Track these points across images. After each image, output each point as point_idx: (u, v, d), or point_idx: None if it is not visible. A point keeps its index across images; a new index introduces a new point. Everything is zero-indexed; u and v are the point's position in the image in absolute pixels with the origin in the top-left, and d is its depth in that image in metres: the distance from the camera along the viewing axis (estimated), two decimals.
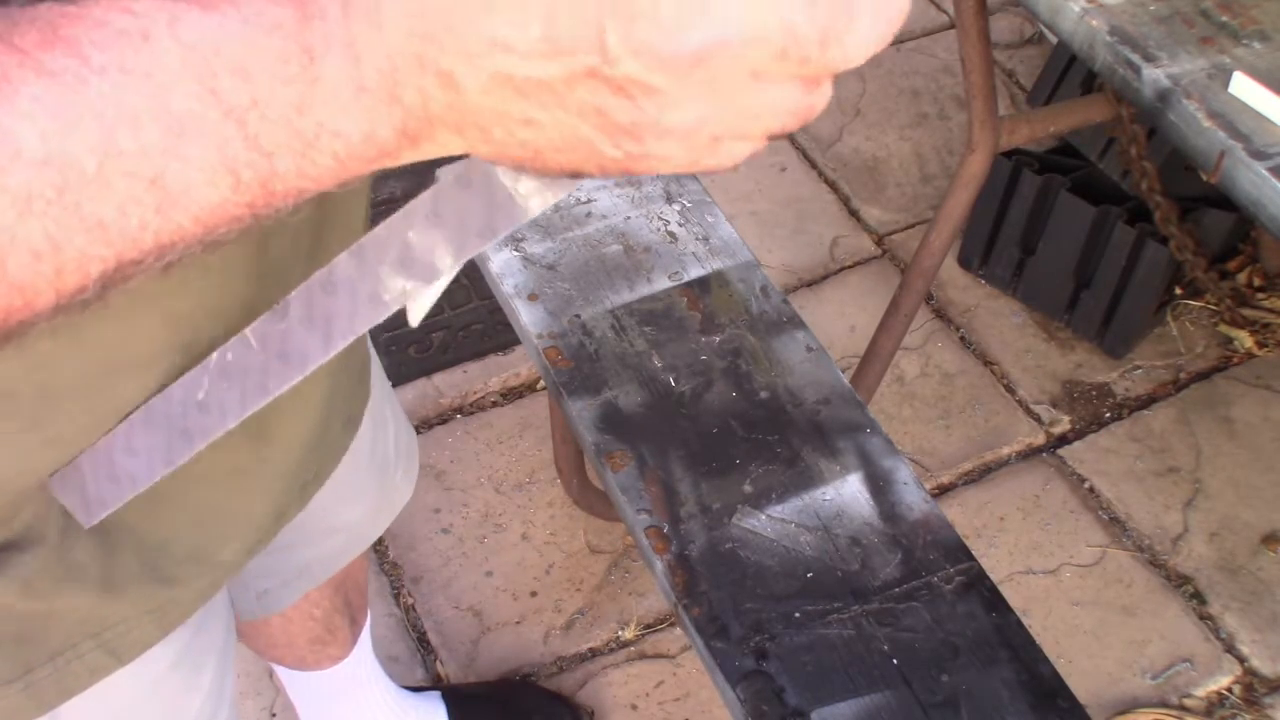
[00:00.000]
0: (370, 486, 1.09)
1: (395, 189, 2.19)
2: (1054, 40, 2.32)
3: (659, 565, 1.13)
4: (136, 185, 0.38)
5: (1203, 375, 2.03)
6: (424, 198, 0.48)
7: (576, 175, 0.43)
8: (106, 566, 0.70)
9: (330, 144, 0.41)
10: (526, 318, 1.31)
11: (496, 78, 0.39)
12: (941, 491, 1.87)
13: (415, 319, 0.50)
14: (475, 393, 1.96)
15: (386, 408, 1.10)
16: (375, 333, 2.00)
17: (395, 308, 0.50)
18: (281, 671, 1.38)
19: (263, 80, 0.39)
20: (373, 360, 1.06)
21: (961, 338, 2.08)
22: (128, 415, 0.61)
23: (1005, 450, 1.93)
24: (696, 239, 1.39)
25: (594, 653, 1.70)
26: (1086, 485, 1.89)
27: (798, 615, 1.10)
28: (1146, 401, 2.00)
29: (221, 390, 0.56)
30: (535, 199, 0.46)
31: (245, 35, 0.39)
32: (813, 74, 0.41)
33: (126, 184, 0.38)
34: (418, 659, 1.68)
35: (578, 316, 1.31)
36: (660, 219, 1.40)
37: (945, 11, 2.64)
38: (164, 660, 0.78)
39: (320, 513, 1.00)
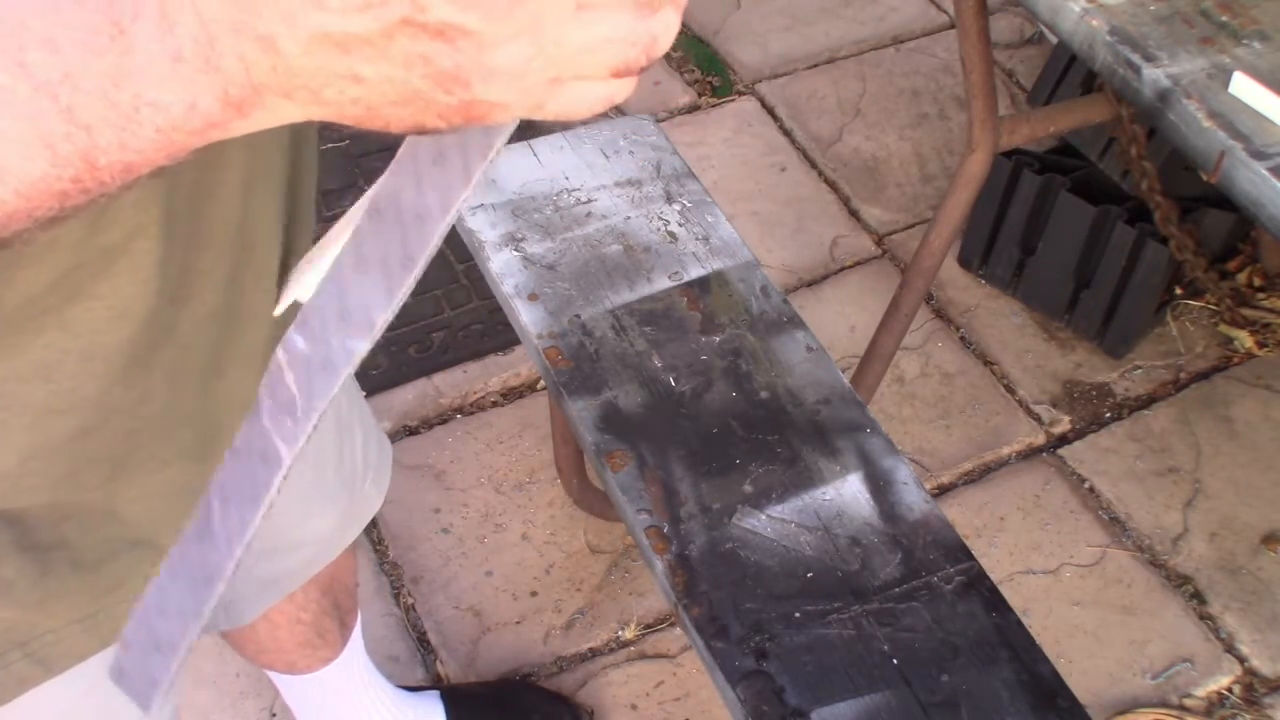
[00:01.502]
0: (338, 498, 1.08)
1: None
2: (1054, 40, 2.32)
3: (659, 565, 1.13)
4: None
5: (1203, 375, 2.03)
6: (346, 247, 0.48)
7: (422, 130, 0.42)
8: (39, 585, 0.68)
9: (150, 116, 0.40)
10: (526, 318, 1.31)
11: (315, 37, 0.38)
12: (941, 491, 1.87)
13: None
14: (475, 393, 1.96)
15: (354, 418, 1.09)
16: None
17: (347, 371, 0.49)
18: (274, 676, 1.37)
19: (73, 52, 0.38)
20: None
21: (961, 338, 2.08)
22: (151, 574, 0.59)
23: (1005, 450, 1.93)
24: (696, 239, 1.39)
25: (594, 653, 1.70)
26: (1086, 485, 1.89)
27: (798, 615, 1.10)
28: (1146, 401, 2.00)
29: (225, 515, 0.54)
30: (439, 211, 0.46)
31: (52, 6, 0.38)
32: None
33: None
34: (418, 659, 1.68)
35: (578, 316, 1.31)
36: (660, 219, 1.40)
37: (945, 11, 2.64)
38: (95, 672, 0.76)
39: (286, 527, 0.99)
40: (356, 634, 1.36)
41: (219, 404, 0.73)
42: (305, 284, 0.53)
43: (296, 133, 0.73)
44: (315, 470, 1.01)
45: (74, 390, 0.62)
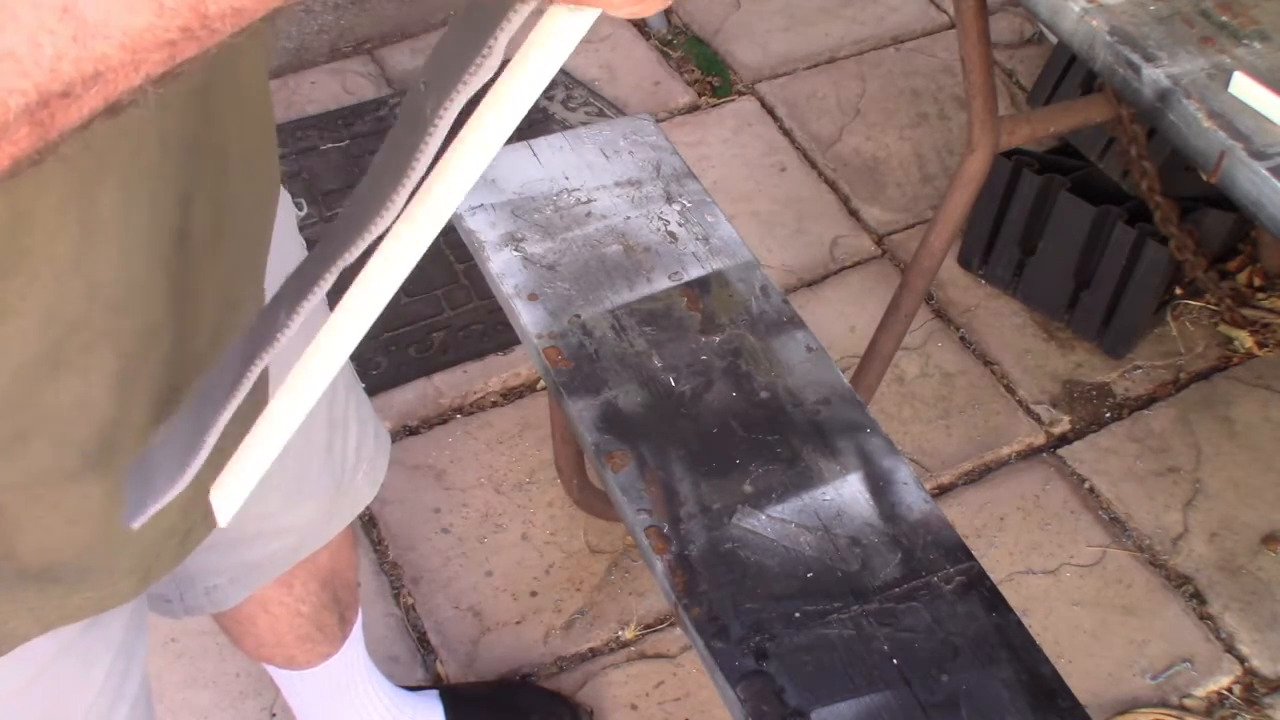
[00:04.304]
0: (325, 488, 1.08)
1: None
2: (1054, 40, 2.32)
3: (659, 565, 1.13)
4: (46, 14, 0.36)
5: (1203, 375, 2.03)
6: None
7: None
8: None
9: None
10: (526, 318, 1.31)
11: None
12: (941, 491, 1.87)
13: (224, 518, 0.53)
14: (475, 393, 1.96)
15: (350, 411, 1.09)
16: (375, 331, 2.00)
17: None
18: (274, 672, 1.38)
19: None
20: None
21: (961, 338, 2.08)
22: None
23: (1005, 450, 1.93)
24: (696, 239, 1.39)
25: (594, 653, 1.70)
26: (1086, 485, 1.89)
27: (798, 615, 1.10)
28: (1146, 401, 2.00)
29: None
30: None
31: None
32: None
33: (34, 13, 0.36)
34: (418, 659, 1.69)
35: (578, 316, 1.31)
36: (660, 219, 1.40)
37: (945, 11, 2.64)
38: (47, 651, 0.77)
39: (262, 516, 0.99)
40: (357, 631, 1.36)
41: (169, 415, 0.72)
42: (232, 494, 0.55)
43: (249, 149, 0.72)
44: (299, 461, 1.02)
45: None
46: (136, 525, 0.60)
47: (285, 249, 0.91)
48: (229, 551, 1.04)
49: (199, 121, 0.64)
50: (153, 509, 0.59)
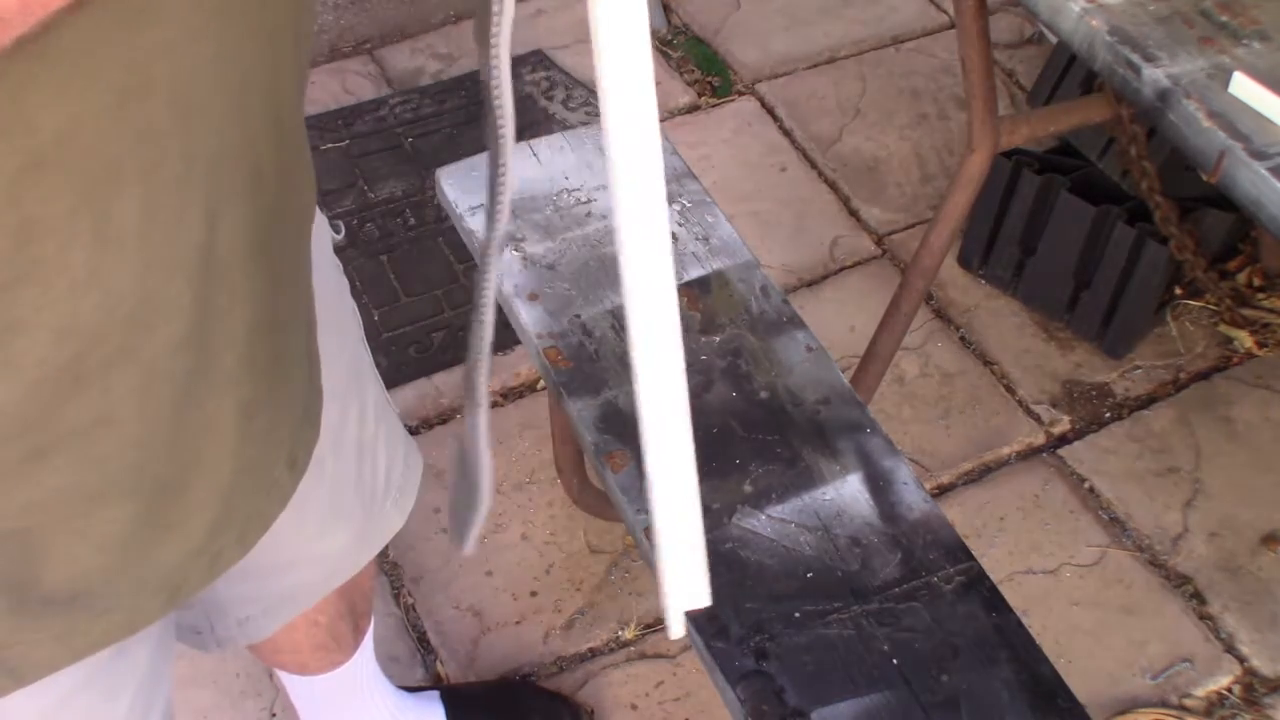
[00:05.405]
0: (354, 516, 1.07)
1: (395, 189, 2.18)
2: (1054, 40, 2.32)
3: None
4: None
5: (1203, 375, 2.03)
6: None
7: None
8: (9, 619, 0.68)
9: None
10: (526, 318, 1.31)
11: None
12: (941, 491, 1.87)
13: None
14: None
15: (380, 438, 1.08)
16: (375, 333, 2.00)
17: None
18: (282, 675, 1.38)
19: None
20: (369, 393, 1.05)
21: (961, 338, 2.08)
22: None
23: (1005, 450, 1.93)
24: (696, 239, 1.39)
25: (594, 653, 1.70)
26: (1086, 485, 1.89)
27: (798, 615, 1.10)
28: (1146, 401, 2.00)
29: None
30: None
31: None
32: None
33: None
34: (418, 659, 1.69)
35: (578, 316, 1.31)
36: None
37: (945, 11, 2.64)
38: (70, 681, 0.75)
39: (297, 543, 0.98)
40: (368, 638, 1.36)
41: (196, 434, 0.71)
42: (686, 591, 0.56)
43: (281, 161, 0.71)
44: (333, 490, 1.01)
45: (19, 415, 0.61)
46: (469, 550, 0.68)
47: (324, 274, 0.88)
48: (264, 581, 1.03)
49: (231, 138, 0.62)
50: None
